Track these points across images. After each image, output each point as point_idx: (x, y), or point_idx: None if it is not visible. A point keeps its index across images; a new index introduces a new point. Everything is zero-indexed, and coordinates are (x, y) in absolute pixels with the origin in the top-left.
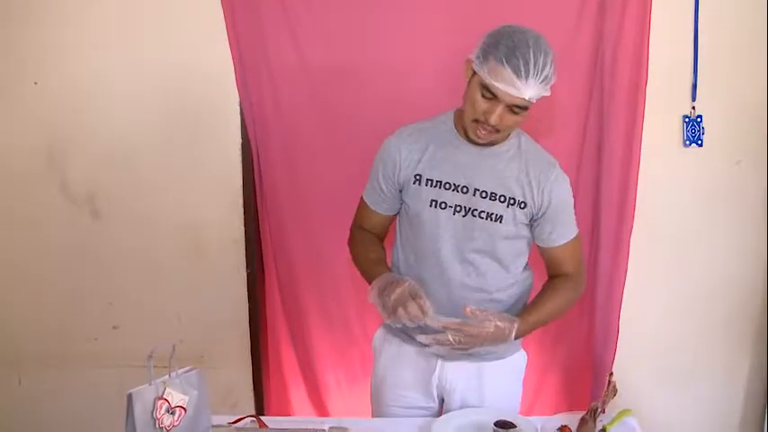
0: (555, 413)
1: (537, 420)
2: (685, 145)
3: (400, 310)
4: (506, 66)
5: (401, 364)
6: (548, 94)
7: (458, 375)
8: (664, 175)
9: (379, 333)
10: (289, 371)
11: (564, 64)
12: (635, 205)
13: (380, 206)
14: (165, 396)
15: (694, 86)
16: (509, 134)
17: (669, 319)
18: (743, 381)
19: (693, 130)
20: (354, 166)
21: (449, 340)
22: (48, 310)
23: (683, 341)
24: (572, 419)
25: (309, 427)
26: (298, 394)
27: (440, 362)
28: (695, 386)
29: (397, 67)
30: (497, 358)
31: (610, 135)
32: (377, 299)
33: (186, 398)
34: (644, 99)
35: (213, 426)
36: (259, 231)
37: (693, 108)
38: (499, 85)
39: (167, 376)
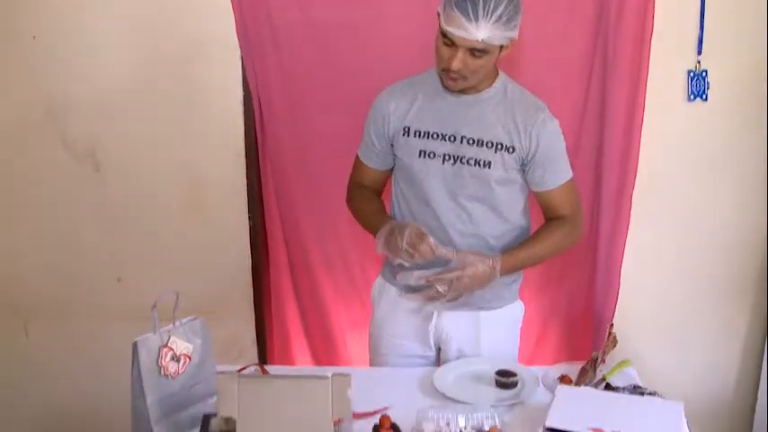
0: (555, 363)
1: (537, 370)
2: (689, 99)
3: (410, 250)
4: (456, 9)
5: (398, 314)
6: (512, 35)
7: (455, 325)
8: (667, 130)
9: (378, 283)
10: (292, 321)
11: (568, 18)
12: (638, 160)
13: (374, 162)
14: (169, 344)
15: (700, 41)
16: (480, 80)
17: (669, 273)
18: (741, 335)
19: (698, 85)
20: (357, 118)
21: (439, 292)
22: (52, 263)
23: (682, 295)
24: (572, 369)
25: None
26: (300, 345)
27: (437, 311)
28: (694, 340)
29: (400, 21)
30: (494, 308)
31: (613, 88)
32: (384, 246)
33: (190, 346)
34: (649, 53)
35: (218, 372)
36: (261, 184)
37: (699, 62)
38: (452, 30)
39: (171, 325)
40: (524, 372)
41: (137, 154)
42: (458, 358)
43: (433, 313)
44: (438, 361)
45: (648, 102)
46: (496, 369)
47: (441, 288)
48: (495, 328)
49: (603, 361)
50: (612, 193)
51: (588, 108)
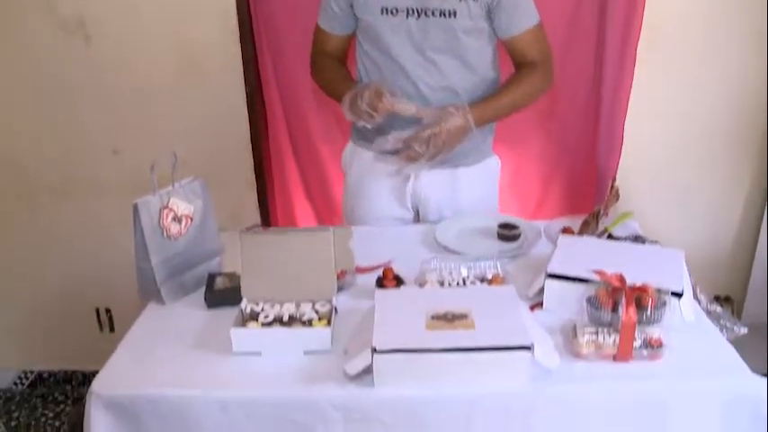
0: (557, 217)
1: (540, 224)
2: None
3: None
4: None
5: (374, 177)
6: None
7: (432, 184)
8: None
9: (348, 148)
10: (294, 187)
11: None
12: (644, 9)
13: (336, 27)
14: (170, 206)
15: None
16: None
17: (674, 129)
18: (743, 192)
19: None
20: None
21: (417, 152)
22: (48, 138)
23: (686, 152)
24: (574, 222)
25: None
26: (303, 208)
27: (414, 173)
28: (696, 196)
29: None
30: (471, 164)
31: None
32: (350, 111)
33: (191, 207)
34: None
35: (220, 229)
36: (256, 53)
37: None
38: None
39: (171, 187)
40: (526, 225)
41: (127, 23)
42: (438, 219)
43: (410, 174)
44: (417, 221)
45: None
46: (499, 222)
47: (418, 148)
48: (474, 185)
49: (606, 214)
50: (617, 45)
51: None
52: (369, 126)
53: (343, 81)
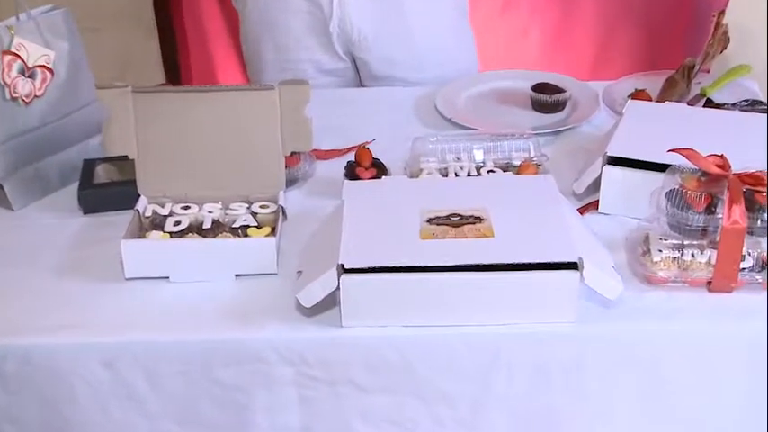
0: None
1: (597, 85)
2: None
3: None
4: None
5: (280, 14)
6: None
7: (367, 13)
8: None
9: None
10: (216, 35)
11: None
12: None
13: None
14: (14, 49)
15: None
16: None
17: None
18: None
19: None
20: None
21: None
22: None
23: None
24: (652, 83)
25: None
26: (227, 64)
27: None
28: None
29: None
30: None
31: None
32: None
33: (51, 53)
34: None
35: (100, 87)
36: None
37: None
38: None
39: (14, 18)
40: (576, 86)
41: None
42: (387, 75)
43: (331, 2)
44: (358, 77)
45: None
46: (532, 83)
47: None
48: (430, 16)
49: (706, 70)
50: None
51: None
52: None
53: None
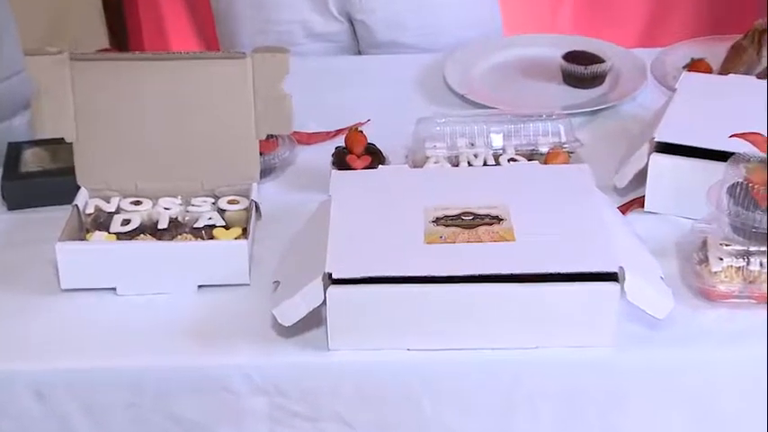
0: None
1: (644, 53)
2: None
3: None
4: None
5: None
6: None
7: None
8: None
9: None
10: None
11: None
12: None
13: None
14: None
15: None
16: None
17: None
18: None
19: None
20: None
21: None
22: None
23: None
24: (713, 51)
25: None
26: (181, 28)
27: None
28: None
29: None
30: None
31: None
32: None
33: None
34: None
35: (28, 54)
36: None
37: None
38: None
39: None
40: (618, 54)
41: None
42: (393, 40)
43: None
44: (355, 43)
45: None
46: (564, 51)
47: None
48: None
49: None
50: None
51: None
52: None
53: None
